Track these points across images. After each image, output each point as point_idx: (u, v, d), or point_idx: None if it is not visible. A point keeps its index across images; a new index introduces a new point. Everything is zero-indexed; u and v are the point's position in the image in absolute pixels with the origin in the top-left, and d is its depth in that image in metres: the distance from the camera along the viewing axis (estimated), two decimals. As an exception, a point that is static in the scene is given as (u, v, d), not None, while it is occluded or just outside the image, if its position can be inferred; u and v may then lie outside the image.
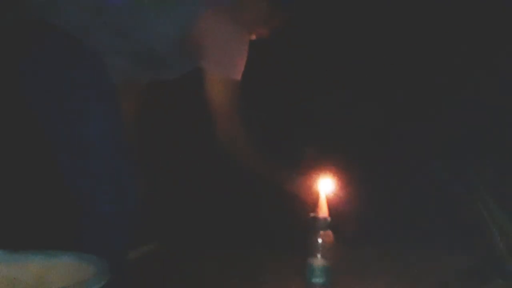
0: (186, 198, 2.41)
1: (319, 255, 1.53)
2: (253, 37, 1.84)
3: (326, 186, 1.61)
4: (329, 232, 1.56)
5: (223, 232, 2.16)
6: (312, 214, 1.58)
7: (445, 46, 2.75)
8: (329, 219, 1.57)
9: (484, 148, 2.57)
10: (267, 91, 2.71)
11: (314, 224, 1.57)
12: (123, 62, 1.72)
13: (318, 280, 1.52)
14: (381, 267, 1.89)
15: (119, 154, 1.63)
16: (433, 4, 2.71)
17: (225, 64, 1.73)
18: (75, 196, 1.58)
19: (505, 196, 2.23)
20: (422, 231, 2.17)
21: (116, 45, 1.68)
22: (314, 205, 1.59)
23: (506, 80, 2.61)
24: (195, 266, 1.90)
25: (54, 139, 1.60)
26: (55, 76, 1.57)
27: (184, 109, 2.35)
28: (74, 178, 1.59)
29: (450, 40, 2.72)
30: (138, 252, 1.88)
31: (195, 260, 1.94)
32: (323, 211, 1.57)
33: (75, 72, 1.59)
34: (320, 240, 1.54)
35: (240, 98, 1.78)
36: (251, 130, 1.84)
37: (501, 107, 2.60)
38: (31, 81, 1.58)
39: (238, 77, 1.74)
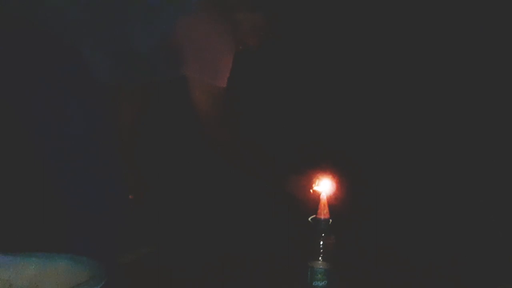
0: (183, 200, 2.40)
1: (320, 258, 1.52)
2: (241, 47, 1.86)
3: (327, 187, 1.60)
4: (331, 234, 1.55)
5: (221, 234, 2.15)
6: (313, 216, 1.56)
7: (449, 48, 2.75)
8: (330, 221, 1.55)
9: (489, 150, 2.56)
10: (266, 91, 2.71)
11: (315, 226, 1.55)
12: (106, 63, 1.72)
13: (319, 283, 1.51)
14: (383, 270, 1.88)
15: (110, 154, 1.63)
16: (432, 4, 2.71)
17: (209, 71, 1.75)
18: (69, 199, 1.58)
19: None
20: (425, 232, 2.16)
21: (99, 46, 1.69)
22: (315, 206, 1.57)
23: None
24: (191, 269, 1.88)
25: (43, 140, 1.59)
26: (39, 76, 1.57)
27: (181, 111, 2.34)
28: (65, 180, 1.58)
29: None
30: (134, 254, 1.87)
31: (192, 262, 1.93)
32: (324, 213, 1.55)
33: (59, 72, 1.58)
34: (321, 243, 1.53)
35: (239, 99, 1.79)
36: (247, 133, 1.85)
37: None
38: (17, 82, 1.57)
39: (223, 84, 1.76)
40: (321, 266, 1.51)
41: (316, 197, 1.59)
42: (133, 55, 1.76)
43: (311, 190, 1.72)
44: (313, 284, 1.51)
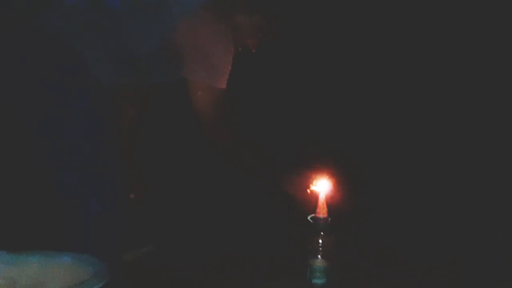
0: (184, 199, 2.40)
1: (319, 256, 1.52)
2: (240, 48, 1.86)
3: (326, 186, 1.60)
4: (330, 233, 1.55)
5: (221, 233, 2.15)
6: (312, 215, 1.57)
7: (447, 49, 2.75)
8: (329, 219, 1.55)
9: (489, 150, 2.56)
10: (266, 91, 2.71)
11: (314, 225, 1.55)
12: (106, 64, 1.73)
13: (318, 281, 1.51)
14: (383, 269, 1.88)
15: (110, 154, 1.63)
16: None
17: (208, 72, 1.75)
18: (69, 199, 1.58)
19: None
20: (425, 232, 2.16)
21: (100, 47, 1.69)
22: (314, 205, 1.58)
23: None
24: (192, 268, 1.88)
25: (43, 140, 1.60)
26: (39, 76, 1.57)
27: (181, 111, 2.36)
28: (65, 180, 1.59)
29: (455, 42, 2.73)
30: (136, 253, 1.87)
31: (193, 262, 1.93)
32: (323, 212, 1.56)
33: (58, 72, 1.58)
34: (320, 241, 1.53)
35: (239, 99, 1.79)
36: (247, 133, 1.85)
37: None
38: (17, 82, 1.58)
39: (222, 85, 1.76)
40: (320, 264, 1.52)
41: (315, 197, 1.60)
42: (133, 56, 1.76)
43: (308, 190, 1.73)
44: (312, 281, 1.51)
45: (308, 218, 1.57)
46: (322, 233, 1.54)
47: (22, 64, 1.57)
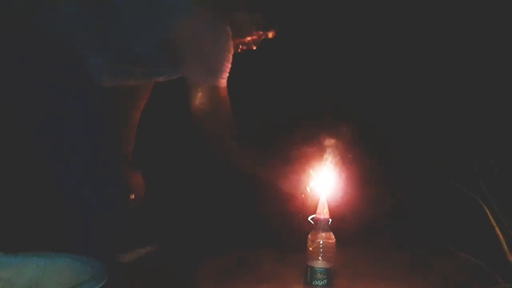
0: (185, 199, 2.40)
1: (320, 257, 1.52)
2: (241, 47, 1.86)
3: (327, 187, 1.60)
4: (330, 234, 1.55)
5: (222, 233, 2.15)
6: (313, 216, 1.57)
7: (447, 45, 2.75)
8: (330, 220, 1.55)
9: (488, 147, 2.55)
10: (266, 90, 2.71)
11: (315, 226, 1.55)
12: (106, 64, 1.73)
13: (319, 282, 1.51)
14: (383, 270, 1.87)
15: (110, 154, 1.64)
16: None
17: (207, 72, 1.75)
18: (69, 199, 1.59)
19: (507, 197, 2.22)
20: (424, 232, 2.16)
21: (100, 46, 1.69)
22: (315, 206, 1.58)
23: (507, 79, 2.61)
24: (193, 268, 1.88)
25: (43, 140, 1.60)
26: (39, 76, 1.57)
27: (181, 111, 2.36)
28: (65, 180, 1.59)
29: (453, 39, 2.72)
30: (134, 254, 1.87)
31: (193, 262, 1.93)
32: (324, 213, 1.55)
33: (58, 72, 1.59)
34: (321, 242, 1.53)
35: (238, 99, 1.80)
36: (246, 132, 1.85)
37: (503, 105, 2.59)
38: (17, 82, 1.58)
39: (222, 85, 1.76)
40: (320, 266, 1.51)
41: (316, 197, 1.59)
42: (133, 56, 1.76)
43: (309, 189, 1.73)
44: (313, 283, 1.51)
45: (309, 218, 1.57)
46: (323, 234, 1.53)
47: (22, 64, 1.57)
